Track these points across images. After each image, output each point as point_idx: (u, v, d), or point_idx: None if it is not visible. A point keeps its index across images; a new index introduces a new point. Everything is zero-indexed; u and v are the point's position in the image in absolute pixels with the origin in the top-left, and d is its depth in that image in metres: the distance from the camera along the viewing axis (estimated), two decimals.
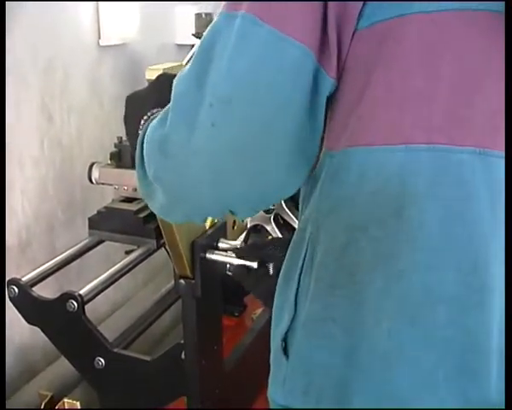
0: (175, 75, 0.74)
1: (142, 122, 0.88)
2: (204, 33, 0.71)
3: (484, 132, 0.63)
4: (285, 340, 0.74)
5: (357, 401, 0.67)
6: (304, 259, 0.72)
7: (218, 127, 0.66)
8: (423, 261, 0.64)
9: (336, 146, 0.68)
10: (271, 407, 0.78)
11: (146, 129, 0.77)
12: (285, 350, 0.74)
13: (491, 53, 0.62)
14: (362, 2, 0.62)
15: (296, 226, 1.56)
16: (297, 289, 0.72)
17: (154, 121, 0.74)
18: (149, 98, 0.93)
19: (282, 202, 1.58)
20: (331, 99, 0.68)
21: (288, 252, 0.77)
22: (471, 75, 0.63)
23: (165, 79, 0.93)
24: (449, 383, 0.65)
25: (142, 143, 0.77)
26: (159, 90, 0.92)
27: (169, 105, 0.71)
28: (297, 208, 1.62)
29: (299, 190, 0.87)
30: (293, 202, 1.61)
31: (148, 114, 0.88)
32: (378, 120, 0.65)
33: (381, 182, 0.65)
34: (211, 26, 0.71)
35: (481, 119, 0.63)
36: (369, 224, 0.66)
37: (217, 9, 0.78)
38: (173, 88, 0.71)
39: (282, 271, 0.78)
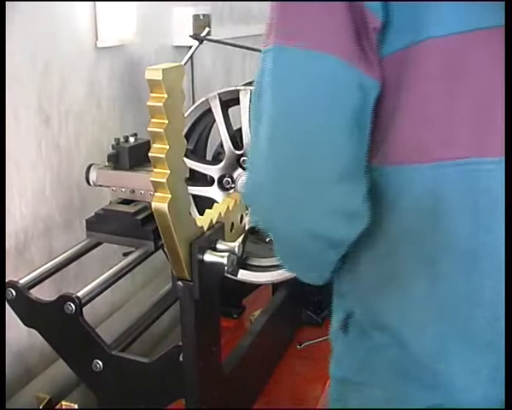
0: None
1: None
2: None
3: (501, 142, 0.67)
4: (345, 322, 0.87)
5: (411, 389, 0.75)
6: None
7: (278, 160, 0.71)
8: (461, 268, 0.70)
9: (371, 161, 0.73)
10: (332, 382, 0.94)
11: None
12: (344, 329, 0.88)
13: (502, 67, 0.67)
14: (378, 29, 0.67)
15: None
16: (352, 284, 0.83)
17: None
18: None
19: None
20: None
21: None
22: (487, 91, 0.68)
23: None
24: (490, 384, 0.72)
25: None
26: None
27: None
28: None
29: None
30: None
31: None
32: (408, 140, 0.70)
33: (414, 198, 0.71)
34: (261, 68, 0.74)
35: (498, 130, 0.67)
36: (408, 235, 0.72)
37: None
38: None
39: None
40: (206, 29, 2.23)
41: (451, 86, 0.68)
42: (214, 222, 1.22)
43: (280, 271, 1.64)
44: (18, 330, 1.58)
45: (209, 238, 1.18)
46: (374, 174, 0.73)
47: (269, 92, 0.71)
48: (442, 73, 0.68)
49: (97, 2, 1.87)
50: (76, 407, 1.49)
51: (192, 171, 1.64)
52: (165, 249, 1.13)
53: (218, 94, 1.58)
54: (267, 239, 1.68)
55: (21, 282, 1.39)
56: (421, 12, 0.67)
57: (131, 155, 1.61)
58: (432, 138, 0.69)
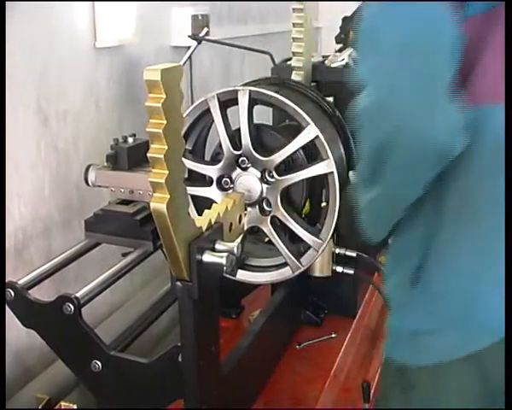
0: None
1: None
2: None
3: None
4: (415, 273, 0.96)
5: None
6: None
7: None
8: None
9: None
10: (398, 339, 1.01)
11: None
12: (414, 280, 0.96)
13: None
14: None
15: (292, 227, 1.57)
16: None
17: None
18: None
19: (279, 204, 1.58)
20: None
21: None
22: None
23: None
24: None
25: None
26: None
27: None
28: (293, 210, 1.62)
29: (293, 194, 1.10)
30: (289, 204, 1.62)
31: None
32: (486, 85, 0.88)
33: (494, 136, 0.88)
34: None
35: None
36: (485, 171, 0.90)
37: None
38: None
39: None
40: (205, 29, 2.24)
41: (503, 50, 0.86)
42: (213, 222, 1.22)
43: (279, 271, 1.65)
44: (17, 331, 1.58)
45: (208, 239, 1.18)
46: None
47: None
48: (502, 39, 0.85)
49: (96, 3, 1.87)
50: (75, 407, 1.49)
51: (190, 171, 1.64)
52: (164, 250, 1.13)
53: (217, 94, 1.58)
54: (265, 239, 1.69)
55: (20, 282, 1.39)
56: None
57: (130, 156, 1.61)
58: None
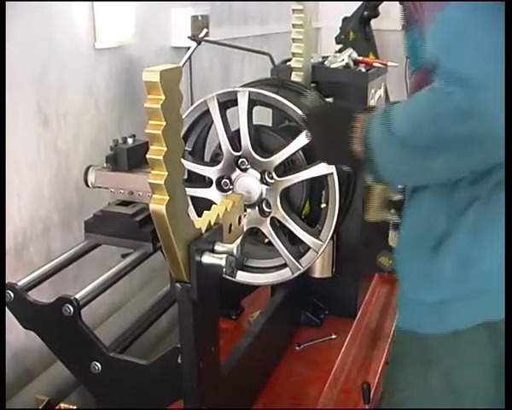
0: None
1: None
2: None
3: None
4: (439, 244, 1.02)
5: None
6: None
7: None
8: None
9: None
10: (417, 309, 1.06)
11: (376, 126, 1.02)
12: (435, 252, 1.02)
13: None
14: None
15: (291, 228, 1.57)
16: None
17: None
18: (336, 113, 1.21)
19: (279, 205, 1.58)
20: None
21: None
22: None
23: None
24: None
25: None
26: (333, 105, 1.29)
27: None
28: (293, 211, 1.62)
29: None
30: (289, 205, 1.62)
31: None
32: None
33: None
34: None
35: None
36: None
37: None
38: None
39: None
40: (205, 30, 2.23)
41: None
42: (212, 224, 1.22)
43: (278, 272, 1.65)
44: (16, 332, 1.59)
45: (207, 240, 1.18)
46: None
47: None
48: None
49: (95, 4, 1.87)
50: (75, 408, 1.49)
51: (190, 172, 1.64)
52: (164, 251, 1.12)
53: (217, 95, 1.58)
54: (265, 241, 1.69)
55: (20, 284, 1.39)
56: None
57: (130, 157, 1.61)
58: None
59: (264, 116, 1.82)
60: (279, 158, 1.55)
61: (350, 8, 3.49)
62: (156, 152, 1.00)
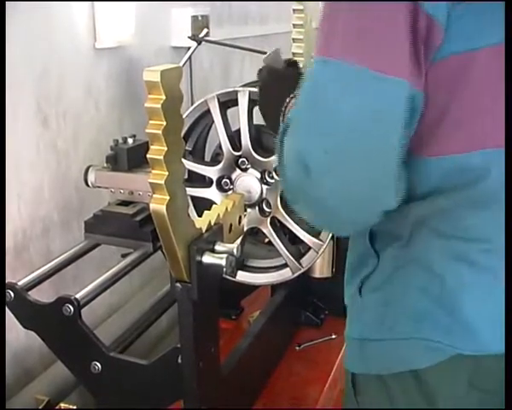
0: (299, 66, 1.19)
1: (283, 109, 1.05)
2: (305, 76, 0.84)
3: None
4: (362, 282, 0.95)
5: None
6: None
7: (333, 172, 0.79)
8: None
9: (428, 153, 0.85)
10: (347, 345, 0.98)
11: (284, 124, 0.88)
12: (360, 291, 0.95)
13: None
14: (442, 36, 0.77)
15: (291, 228, 1.56)
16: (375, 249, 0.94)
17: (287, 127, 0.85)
18: (283, 86, 1.08)
19: (279, 205, 1.58)
20: None
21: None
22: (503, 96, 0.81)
23: (294, 66, 1.27)
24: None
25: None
26: (290, 78, 1.07)
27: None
28: (293, 211, 1.61)
29: None
30: (289, 205, 1.61)
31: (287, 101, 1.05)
32: (461, 132, 0.83)
33: (462, 176, 0.84)
34: (310, 72, 0.82)
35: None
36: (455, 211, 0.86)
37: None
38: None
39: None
40: (205, 30, 2.23)
41: (495, 88, 0.81)
42: (213, 223, 1.22)
43: (279, 272, 1.65)
44: (16, 332, 1.58)
45: (207, 240, 1.18)
46: (421, 165, 0.85)
47: (323, 103, 0.78)
48: (491, 77, 0.81)
49: (95, 4, 1.87)
50: (75, 408, 1.49)
51: (190, 172, 1.64)
52: (164, 251, 1.12)
53: (217, 95, 1.58)
54: (265, 240, 1.69)
55: (20, 284, 1.39)
56: (476, 22, 0.78)
57: (130, 157, 1.61)
58: (483, 130, 0.82)
59: None
60: None
61: None
62: (157, 152, 1.00)
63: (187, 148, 1.65)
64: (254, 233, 1.68)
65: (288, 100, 1.05)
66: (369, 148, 0.78)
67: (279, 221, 1.61)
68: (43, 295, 1.42)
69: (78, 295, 1.33)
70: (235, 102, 1.58)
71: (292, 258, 1.60)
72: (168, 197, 1.03)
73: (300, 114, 0.83)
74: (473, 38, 0.79)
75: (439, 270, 0.87)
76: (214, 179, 1.62)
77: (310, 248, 1.59)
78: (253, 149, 1.57)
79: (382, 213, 0.83)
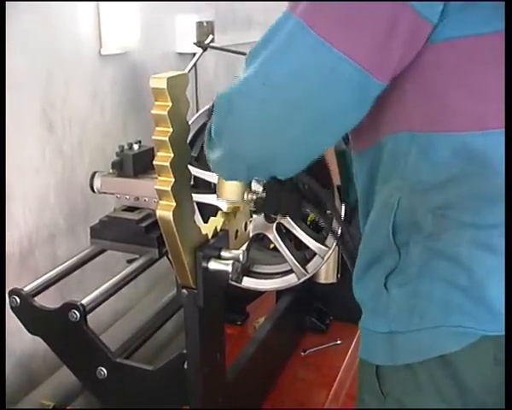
0: None
1: None
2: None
3: None
4: (386, 278, 0.96)
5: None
6: (394, 218, 0.93)
7: (267, 104, 0.88)
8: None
9: (421, 129, 0.88)
10: (369, 340, 1.01)
11: None
12: (386, 287, 0.96)
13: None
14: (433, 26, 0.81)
15: (297, 234, 1.55)
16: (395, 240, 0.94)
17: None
18: None
19: None
20: (400, 91, 0.87)
21: (373, 219, 0.99)
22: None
23: None
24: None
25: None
26: None
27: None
28: (299, 218, 1.62)
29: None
30: (297, 213, 1.61)
31: None
32: (464, 111, 0.85)
33: (466, 160, 0.86)
34: (278, 17, 0.95)
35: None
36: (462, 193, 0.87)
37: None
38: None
39: (368, 232, 1.01)
40: (210, 36, 2.24)
41: (500, 72, 0.82)
42: (219, 230, 1.22)
43: (284, 278, 1.64)
44: (22, 338, 1.59)
45: (213, 246, 1.18)
46: (424, 139, 0.87)
47: (278, 57, 0.90)
48: (496, 61, 0.83)
49: (101, 10, 1.88)
50: None
51: (196, 178, 1.64)
52: (170, 257, 1.13)
53: None
54: (271, 246, 1.68)
55: (26, 289, 1.39)
56: (481, 9, 0.81)
57: (136, 163, 1.61)
58: (487, 111, 0.84)
59: None
60: None
61: None
62: (163, 158, 1.01)
63: (193, 154, 1.65)
64: (260, 239, 1.68)
65: None
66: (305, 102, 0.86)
67: (285, 227, 1.61)
68: (48, 300, 1.43)
69: (84, 301, 1.33)
70: None
71: (297, 264, 1.60)
72: (174, 204, 1.03)
73: (255, 52, 0.97)
74: (477, 23, 0.82)
75: (466, 261, 0.88)
76: None
77: (315, 254, 1.59)
78: None
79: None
